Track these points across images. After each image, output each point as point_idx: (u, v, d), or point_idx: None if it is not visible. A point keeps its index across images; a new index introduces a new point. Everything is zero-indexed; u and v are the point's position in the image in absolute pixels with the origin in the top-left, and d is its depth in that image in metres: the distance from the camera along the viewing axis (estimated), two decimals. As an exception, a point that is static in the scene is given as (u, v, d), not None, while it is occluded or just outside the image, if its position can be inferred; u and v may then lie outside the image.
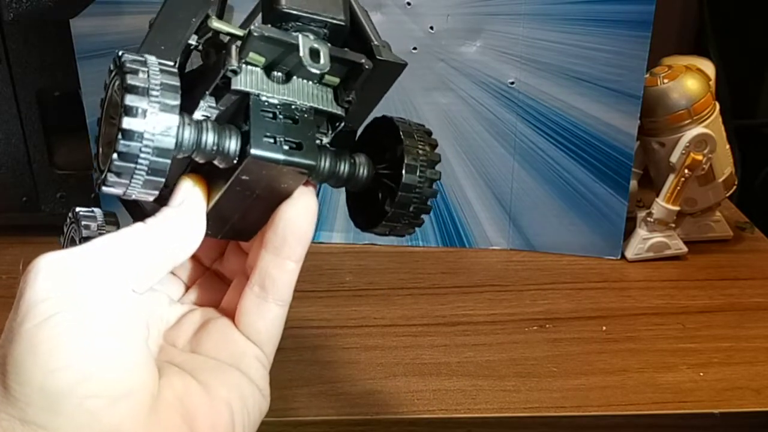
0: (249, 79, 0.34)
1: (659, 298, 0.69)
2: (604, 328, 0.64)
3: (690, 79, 0.71)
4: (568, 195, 0.73)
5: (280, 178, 0.34)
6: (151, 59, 0.32)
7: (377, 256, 0.76)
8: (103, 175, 0.31)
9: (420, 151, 0.37)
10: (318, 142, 0.36)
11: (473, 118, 0.72)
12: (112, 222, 0.39)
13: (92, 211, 0.39)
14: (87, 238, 0.33)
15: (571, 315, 0.66)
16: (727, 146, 0.74)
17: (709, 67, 0.74)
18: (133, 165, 0.31)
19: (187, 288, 0.40)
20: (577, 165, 0.72)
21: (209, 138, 0.33)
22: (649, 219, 0.73)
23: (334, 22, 0.35)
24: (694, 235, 0.77)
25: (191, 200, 0.35)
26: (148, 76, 0.31)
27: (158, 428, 0.31)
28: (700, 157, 0.70)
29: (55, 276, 0.30)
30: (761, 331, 0.64)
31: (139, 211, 0.39)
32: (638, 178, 0.77)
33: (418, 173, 0.37)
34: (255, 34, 0.33)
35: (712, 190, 0.75)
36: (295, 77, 0.35)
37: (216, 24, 0.35)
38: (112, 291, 0.32)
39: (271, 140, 0.33)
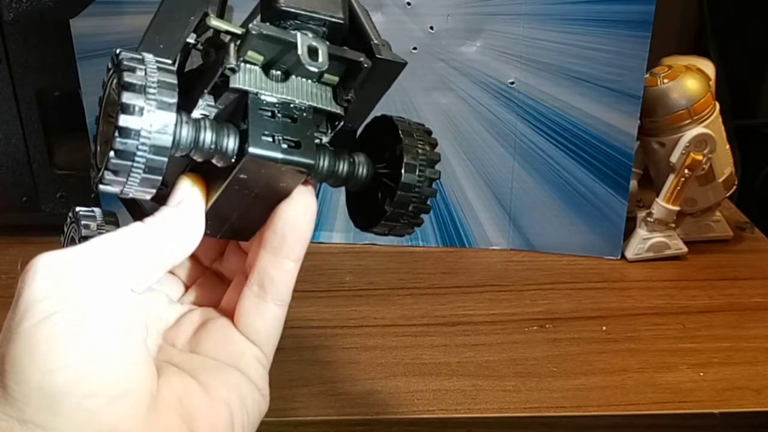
0: (247, 77, 0.34)
1: (659, 298, 0.69)
2: (604, 328, 0.64)
3: (690, 79, 0.71)
4: (568, 195, 0.73)
5: (278, 177, 0.34)
6: (149, 57, 0.32)
7: (377, 256, 0.76)
8: (100, 173, 0.31)
9: (419, 151, 0.37)
10: (317, 141, 0.36)
11: (473, 118, 0.72)
12: (112, 222, 0.39)
13: (92, 211, 0.39)
14: (86, 238, 0.33)
15: (571, 315, 0.66)
16: (727, 146, 0.74)
17: (709, 67, 0.74)
18: (129, 163, 0.31)
19: (187, 288, 0.40)
20: (577, 165, 0.72)
21: (207, 136, 0.33)
22: (649, 219, 0.73)
23: (333, 20, 0.35)
24: (694, 235, 0.77)
25: (190, 199, 0.35)
26: (146, 73, 0.31)
27: (157, 428, 0.31)
28: (700, 157, 0.70)
29: (53, 275, 0.30)
30: (761, 331, 0.64)
31: (138, 211, 0.39)
32: (638, 178, 0.77)
33: (417, 172, 0.37)
34: (253, 32, 0.33)
35: (712, 190, 0.75)
36: (293, 76, 0.35)
37: (214, 22, 0.35)
38: (111, 290, 0.32)
39: (270, 139, 0.33)
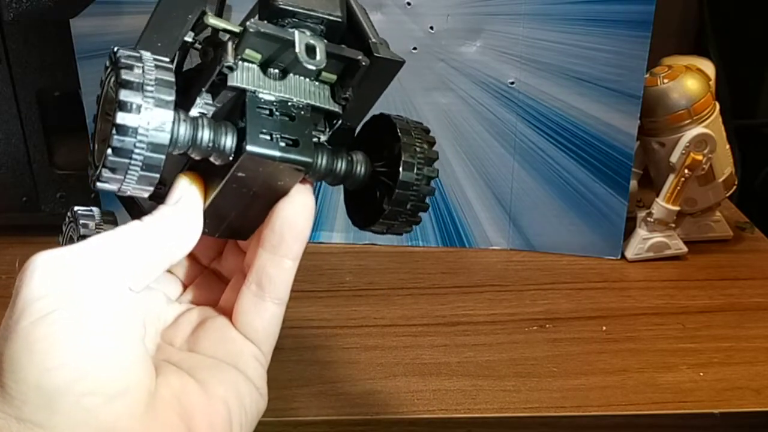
0: (245, 75, 0.34)
1: (659, 298, 0.69)
2: (604, 328, 0.64)
3: (690, 79, 0.71)
4: (568, 195, 0.73)
5: (276, 175, 0.34)
6: (146, 55, 0.32)
7: (377, 256, 0.76)
8: (98, 171, 0.31)
9: (417, 149, 0.37)
10: (315, 139, 0.36)
11: (473, 118, 0.72)
12: (110, 221, 0.39)
13: (90, 210, 0.39)
14: (84, 237, 0.33)
15: (571, 315, 0.66)
16: (727, 146, 0.74)
17: (709, 67, 0.74)
18: (127, 160, 0.31)
19: (185, 287, 0.40)
20: (577, 165, 0.72)
21: (205, 134, 0.33)
22: (649, 219, 0.73)
23: (331, 18, 0.35)
24: (694, 235, 0.77)
25: (188, 198, 0.35)
26: (143, 71, 0.31)
27: (155, 426, 0.31)
28: (700, 157, 0.70)
29: (51, 274, 0.30)
30: (761, 331, 0.64)
31: (137, 210, 0.39)
32: (638, 178, 0.77)
33: (415, 171, 0.37)
34: (251, 30, 0.33)
35: (712, 190, 0.75)
36: (291, 74, 0.35)
37: (212, 20, 0.35)
38: (109, 289, 0.32)
39: (268, 137, 0.33)
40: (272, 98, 0.34)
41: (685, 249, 0.75)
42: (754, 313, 0.67)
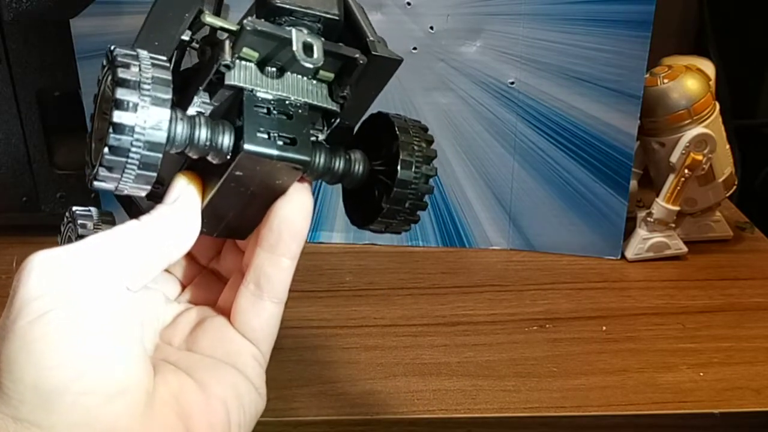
0: (242, 74, 0.34)
1: (659, 298, 0.69)
2: (604, 328, 0.64)
3: (690, 79, 0.71)
4: (568, 195, 0.73)
5: (274, 173, 0.34)
6: (143, 53, 0.32)
7: (377, 256, 0.76)
8: (95, 170, 0.31)
9: (416, 147, 0.37)
10: (313, 138, 0.36)
11: (473, 118, 0.72)
12: (109, 221, 0.39)
13: (88, 210, 0.39)
14: (83, 237, 0.33)
15: (571, 315, 0.66)
16: (727, 146, 0.74)
17: (709, 67, 0.74)
18: (124, 159, 0.31)
19: (184, 287, 0.40)
20: (577, 165, 0.72)
21: (202, 133, 0.33)
22: (649, 219, 0.73)
23: (328, 16, 0.35)
24: (694, 235, 0.77)
25: (186, 197, 0.35)
26: (140, 70, 0.31)
27: (154, 426, 0.31)
28: (700, 157, 0.70)
29: (48, 273, 0.30)
30: (761, 331, 0.64)
31: (135, 210, 0.39)
32: (638, 178, 0.77)
33: (413, 169, 0.37)
34: (248, 28, 0.33)
35: (712, 190, 0.74)
36: (289, 72, 0.35)
37: (209, 19, 0.35)
38: (106, 288, 0.31)
39: (265, 136, 0.33)
40: (270, 97, 0.34)
41: (685, 249, 0.75)
42: (754, 313, 0.66)
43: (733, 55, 0.98)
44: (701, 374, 0.58)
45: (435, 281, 0.71)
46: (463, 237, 0.77)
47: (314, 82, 0.36)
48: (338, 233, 0.77)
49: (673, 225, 0.74)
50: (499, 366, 0.59)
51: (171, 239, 0.34)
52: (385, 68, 0.36)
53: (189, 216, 0.35)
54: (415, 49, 0.70)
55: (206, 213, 0.35)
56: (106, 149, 0.30)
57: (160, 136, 0.31)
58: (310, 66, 0.34)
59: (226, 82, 0.33)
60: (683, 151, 0.70)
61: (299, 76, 0.35)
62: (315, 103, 0.35)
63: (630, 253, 0.74)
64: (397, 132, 0.37)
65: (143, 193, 0.33)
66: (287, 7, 0.34)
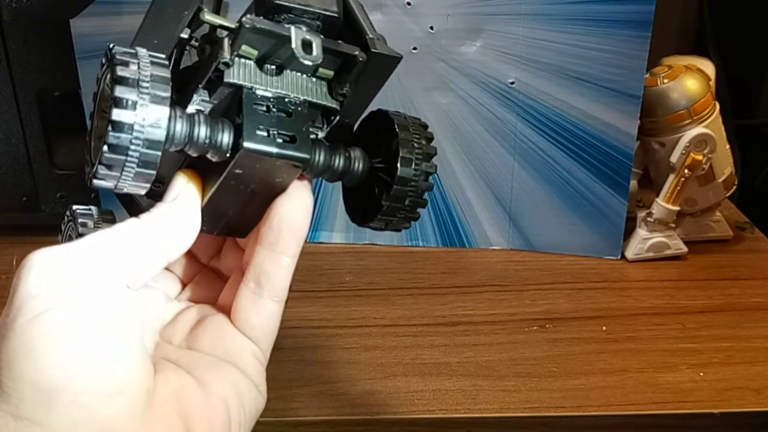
0: (242, 72, 0.34)
1: (659, 298, 0.69)
2: (604, 328, 0.64)
3: (690, 79, 0.71)
4: (568, 195, 0.73)
5: (274, 171, 0.34)
6: (142, 51, 0.32)
7: (377, 256, 0.76)
8: (94, 168, 0.31)
9: (415, 144, 0.37)
10: (313, 136, 0.36)
11: (473, 118, 0.72)
12: (109, 220, 0.39)
13: (89, 209, 0.39)
14: (83, 236, 0.33)
15: (571, 315, 0.66)
16: (727, 146, 0.74)
17: (709, 67, 0.74)
18: (123, 157, 0.31)
19: (184, 285, 0.40)
20: (577, 165, 0.72)
21: (202, 131, 0.33)
22: (649, 219, 0.73)
23: (327, 13, 0.35)
24: (694, 235, 0.77)
25: (186, 195, 0.35)
26: (139, 67, 0.31)
27: (154, 424, 0.31)
28: (700, 157, 0.70)
29: (47, 272, 0.30)
30: (761, 331, 0.64)
31: (136, 209, 0.39)
32: (638, 178, 0.77)
33: (413, 166, 0.37)
34: (247, 25, 0.33)
35: (712, 190, 0.74)
36: (288, 70, 0.35)
37: (208, 17, 0.35)
38: (106, 287, 0.31)
39: (265, 133, 0.33)
40: (269, 94, 0.34)
41: (685, 249, 0.75)
42: (754, 313, 0.66)
43: (733, 55, 0.98)
44: (701, 374, 0.58)
45: (435, 281, 0.71)
46: (463, 237, 0.77)
47: (314, 79, 0.36)
48: (338, 233, 0.77)
49: (673, 225, 0.74)
50: (499, 366, 0.59)
51: (171, 237, 0.34)
52: (385, 65, 0.36)
53: (189, 214, 0.35)
54: (415, 49, 0.70)
55: (206, 211, 0.35)
56: (105, 147, 0.30)
57: (159, 134, 0.31)
58: (310, 63, 0.34)
59: (226, 79, 0.33)
60: (683, 151, 0.70)
61: (298, 74, 0.35)
62: (314, 100, 0.35)
63: (630, 253, 0.74)
64: (397, 129, 0.37)
65: (143, 191, 0.33)
66: (286, 4, 0.34)
